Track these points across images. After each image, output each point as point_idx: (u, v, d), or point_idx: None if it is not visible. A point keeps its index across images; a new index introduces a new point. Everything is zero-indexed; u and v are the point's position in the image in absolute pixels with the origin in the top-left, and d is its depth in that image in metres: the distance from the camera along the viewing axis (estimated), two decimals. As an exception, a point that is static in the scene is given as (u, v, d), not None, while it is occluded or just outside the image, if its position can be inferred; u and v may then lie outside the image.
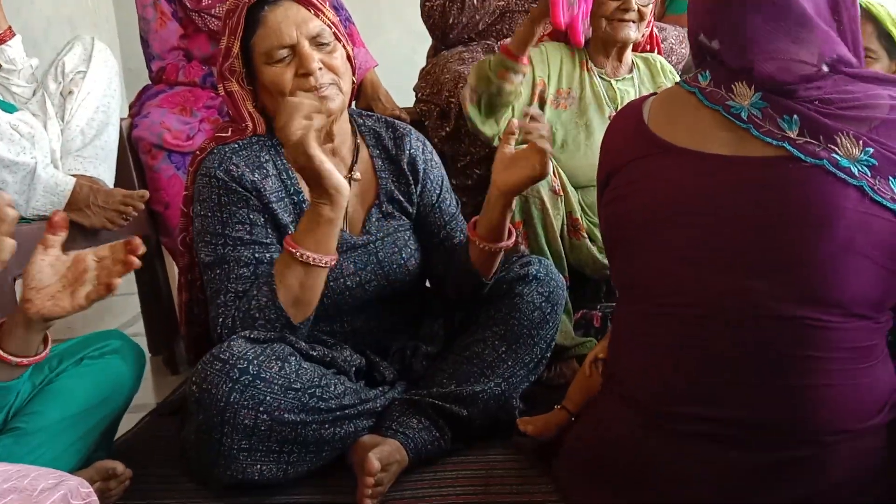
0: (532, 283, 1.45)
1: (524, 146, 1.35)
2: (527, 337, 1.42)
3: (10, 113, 1.68)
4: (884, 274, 0.92)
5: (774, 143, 0.93)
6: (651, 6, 1.86)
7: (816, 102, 0.93)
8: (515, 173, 1.32)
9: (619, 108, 1.88)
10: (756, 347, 0.94)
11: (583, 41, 1.65)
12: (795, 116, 0.93)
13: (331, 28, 1.36)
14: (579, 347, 1.72)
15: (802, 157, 0.91)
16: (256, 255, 1.32)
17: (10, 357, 1.06)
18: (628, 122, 1.08)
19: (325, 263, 1.26)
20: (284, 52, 1.32)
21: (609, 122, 1.15)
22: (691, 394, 0.97)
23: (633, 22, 1.82)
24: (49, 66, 1.83)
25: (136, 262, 1.05)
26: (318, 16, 1.35)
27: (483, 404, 1.38)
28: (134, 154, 2.01)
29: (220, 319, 1.29)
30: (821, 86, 0.94)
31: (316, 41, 1.33)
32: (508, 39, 1.69)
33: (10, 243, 1.00)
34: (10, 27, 1.75)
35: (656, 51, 2.02)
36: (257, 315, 1.27)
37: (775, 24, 0.96)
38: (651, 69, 1.95)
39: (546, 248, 1.71)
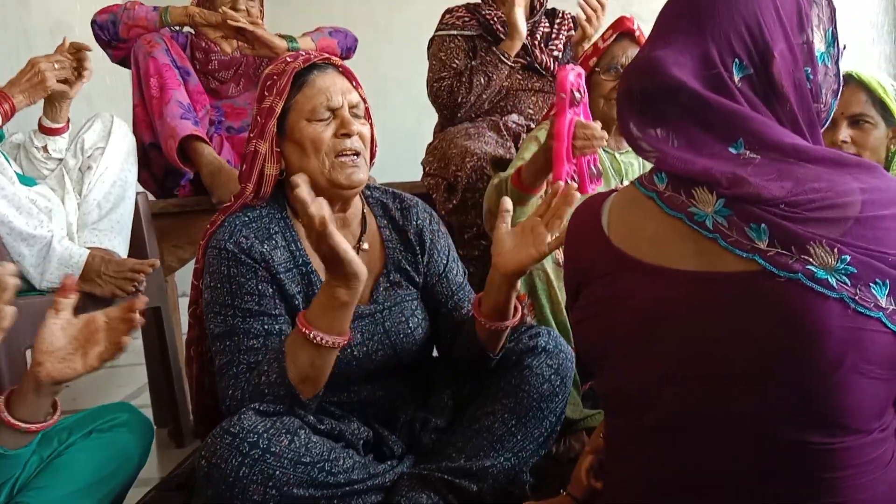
0: (541, 356, 1.46)
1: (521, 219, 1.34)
2: (536, 410, 1.42)
3: (30, 186, 1.72)
4: (882, 385, 0.86)
5: (744, 255, 0.86)
6: None
7: (783, 206, 0.85)
8: (517, 254, 1.32)
9: (625, 180, 1.92)
10: (759, 468, 0.88)
11: (590, 190, 1.64)
12: (763, 225, 0.86)
13: (364, 103, 1.45)
14: (588, 420, 1.71)
15: (776, 271, 0.84)
16: (266, 327, 1.33)
17: (19, 423, 1.06)
18: (588, 232, 1.02)
19: (337, 345, 1.26)
20: (327, 114, 1.39)
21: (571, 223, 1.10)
22: None
23: None
24: (69, 143, 1.89)
25: (138, 318, 1.07)
26: (356, 89, 1.44)
27: (493, 479, 1.36)
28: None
29: (230, 392, 1.30)
30: (783, 185, 0.87)
31: (353, 111, 1.41)
32: (521, 164, 1.75)
33: (10, 310, 1.02)
34: (68, 121, 1.85)
35: None
36: (266, 391, 1.27)
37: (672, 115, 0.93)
38: None
39: (552, 320, 1.72)
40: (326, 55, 1.45)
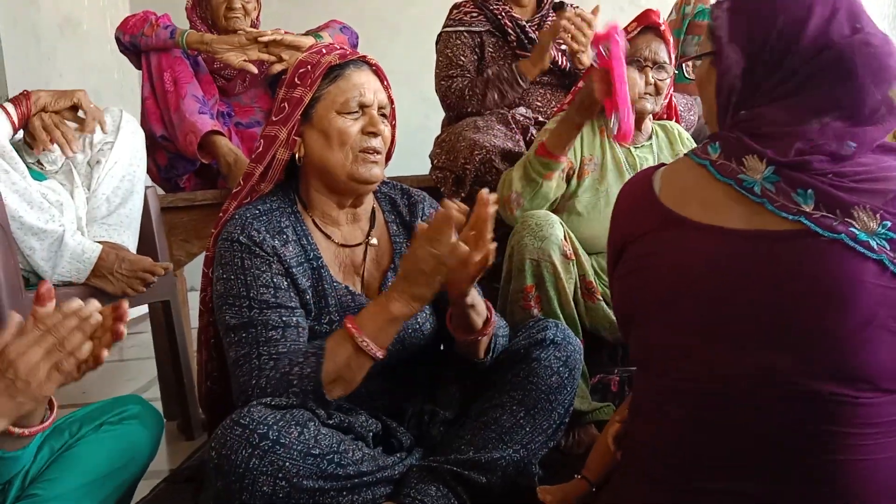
0: (549, 348, 1.46)
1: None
2: (545, 402, 1.42)
3: (40, 181, 1.73)
4: None
5: (790, 217, 0.92)
6: (669, 80, 1.91)
7: (830, 176, 0.92)
8: (456, 277, 1.28)
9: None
10: (784, 424, 0.92)
11: (629, 136, 1.63)
12: (810, 190, 0.92)
13: (391, 104, 1.47)
14: (597, 413, 1.71)
15: (820, 231, 0.90)
16: (284, 319, 1.34)
17: (14, 429, 1.06)
18: (639, 194, 1.07)
19: (374, 356, 1.28)
20: (357, 109, 1.41)
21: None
22: (718, 469, 0.95)
23: (651, 95, 1.87)
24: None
25: (123, 331, 1.05)
26: (386, 90, 1.46)
27: (502, 471, 1.36)
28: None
29: (253, 381, 1.29)
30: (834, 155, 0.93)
31: (381, 112, 1.44)
32: (548, 129, 1.74)
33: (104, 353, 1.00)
34: None
35: (674, 119, 2.07)
36: (295, 382, 1.27)
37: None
38: (669, 136, 2.00)
39: (559, 312, 1.72)
40: (362, 54, 1.48)
